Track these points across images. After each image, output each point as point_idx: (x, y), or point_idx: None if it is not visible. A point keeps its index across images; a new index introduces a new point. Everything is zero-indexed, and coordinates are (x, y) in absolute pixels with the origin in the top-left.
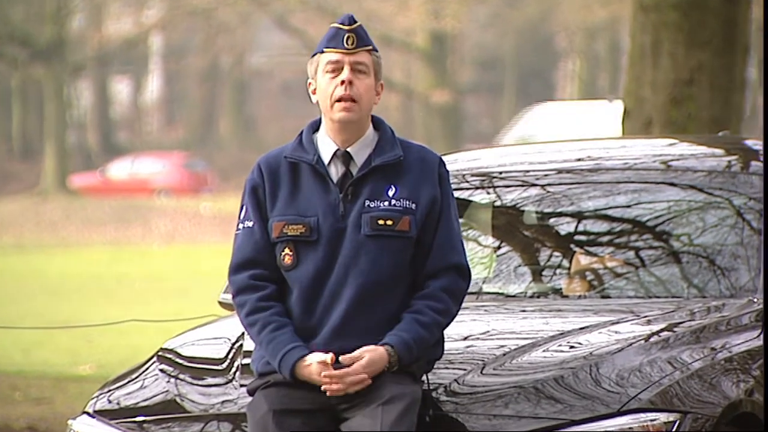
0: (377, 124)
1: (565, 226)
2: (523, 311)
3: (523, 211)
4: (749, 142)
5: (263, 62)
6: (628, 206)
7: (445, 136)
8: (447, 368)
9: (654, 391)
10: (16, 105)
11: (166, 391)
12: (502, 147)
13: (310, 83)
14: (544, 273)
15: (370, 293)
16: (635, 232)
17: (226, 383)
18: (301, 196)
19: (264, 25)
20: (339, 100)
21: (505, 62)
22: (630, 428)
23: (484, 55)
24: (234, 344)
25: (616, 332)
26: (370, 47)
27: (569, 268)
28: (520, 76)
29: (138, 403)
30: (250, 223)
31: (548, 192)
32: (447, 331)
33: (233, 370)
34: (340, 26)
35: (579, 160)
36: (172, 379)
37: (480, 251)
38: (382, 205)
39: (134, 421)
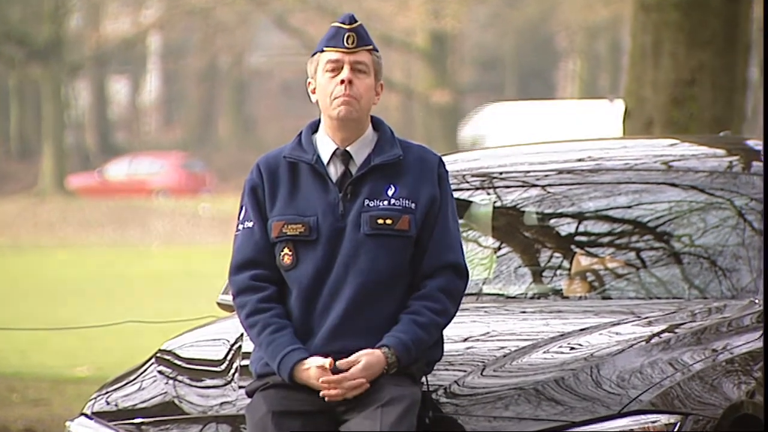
0: (377, 124)
1: (566, 227)
2: (524, 312)
3: (523, 211)
4: (751, 143)
5: (262, 62)
6: (629, 207)
7: (445, 136)
8: (447, 370)
9: (655, 392)
10: (14, 105)
11: (165, 392)
12: (502, 147)
13: (309, 82)
14: (544, 274)
15: (369, 293)
16: (636, 233)
17: (225, 385)
18: (300, 196)
19: (263, 24)
20: (338, 98)
21: (506, 62)
22: (631, 430)
23: (485, 55)
24: (233, 346)
25: (616, 333)
26: (371, 47)
27: (570, 269)
28: (520, 76)
29: (136, 404)
30: (250, 224)
31: (549, 192)
32: (447, 333)
33: (232, 371)
34: (341, 25)
35: (579, 160)
36: (171, 381)
37: (480, 252)
38: (381, 204)
39: (132, 423)
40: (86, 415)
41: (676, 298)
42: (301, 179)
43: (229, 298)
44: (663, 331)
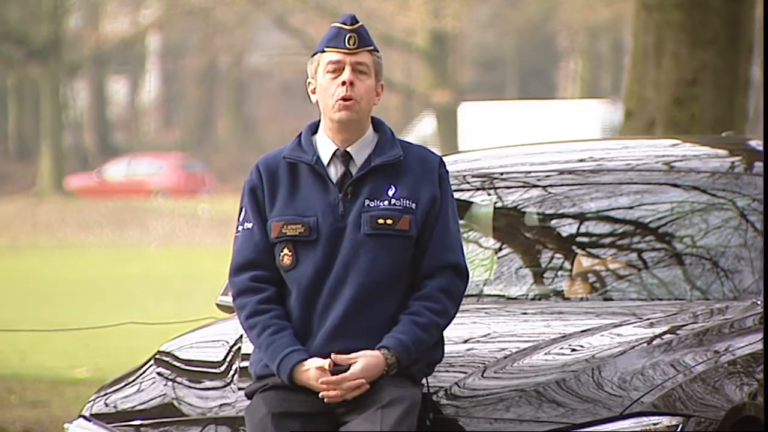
0: (377, 125)
1: (567, 228)
2: (525, 314)
3: (524, 212)
4: (753, 143)
5: (262, 62)
6: (631, 207)
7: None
8: (447, 371)
9: (657, 394)
10: (12, 105)
11: (164, 394)
12: (503, 148)
13: (309, 83)
14: (545, 275)
15: (369, 293)
16: (637, 234)
17: (224, 386)
18: (300, 196)
19: (263, 24)
20: (339, 100)
21: (506, 62)
22: None
23: (485, 55)
24: (232, 347)
25: (618, 335)
26: (372, 47)
27: (571, 270)
28: (521, 76)
29: (135, 406)
30: (250, 225)
31: (550, 193)
32: (447, 334)
33: (231, 373)
34: (342, 26)
35: (581, 161)
36: (170, 383)
37: (481, 253)
38: (382, 204)
39: (131, 425)
40: (85, 417)
41: (678, 300)
42: (300, 180)
43: (228, 300)
44: (665, 333)
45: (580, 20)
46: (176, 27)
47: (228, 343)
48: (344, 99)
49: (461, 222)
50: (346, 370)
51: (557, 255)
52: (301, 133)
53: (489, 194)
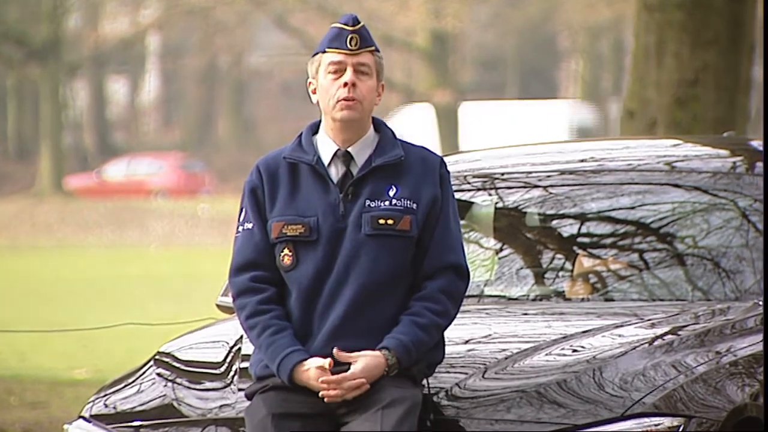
0: (378, 125)
1: (568, 228)
2: (526, 314)
3: (525, 212)
4: (754, 143)
5: (262, 62)
6: (632, 208)
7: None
8: (448, 372)
9: (658, 395)
10: (12, 105)
11: (163, 395)
12: (503, 148)
13: (310, 83)
14: (546, 275)
15: (370, 293)
16: (639, 234)
17: (224, 387)
18: (300, 197)
19: (263, 24)
20: (341, 101)
21: (507, 62)
22: None
23: (486, 55)
24: (232, 348)
25: (619, 336)
26: (373, 48)
27: (572, 271)
28: (522, 76)
29: (135, 407)
30: (250, 225)
31: (551, 193)
32: (448, 335)
33: (231, 374)
34: (344, 27)
35: (582, 161)
36: (170, 384)
37: (482, 253)
38: (383, 204)
39: (131, 426)
40: (84, 418)
41: (680, 300)
42: (301, 180)
43: (228, 300)
44: (666, 334)
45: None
46: (176, 27)
47: (228, 343)
48: (346, 99)
49: (462, 222)
50: (346, 370)
51: (558, 255)
52: (301, 134)
53: (490, 194)
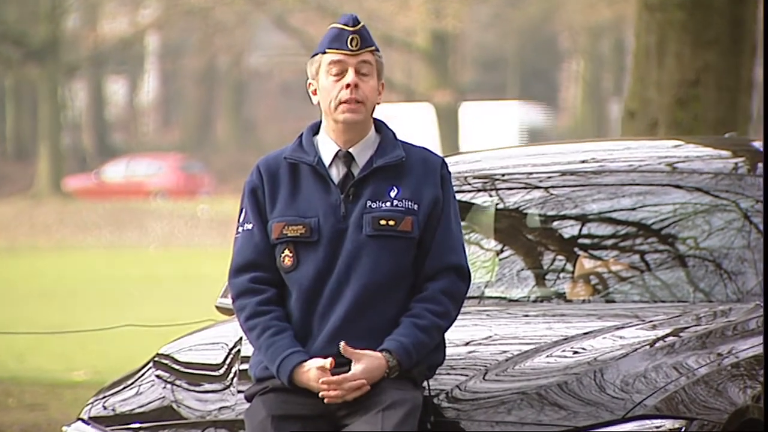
0: (379, 126)
1: (569, 229)
2: (526, 316)
3: (526, 213)
4: (756, 144)
5: (262, 62)
6: (633, 209)
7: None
8: (449, 374)
9: (659, 397)
10: (10, 105)
11: (162, 397)
12: (504, 149)
13: (310, 84)
14: (547, 277)
15: (371, 295)
16: (640, 236)
17: (224, 389)
18: (301, 197)
19: (262, 24)
20: (344, 103)
21: (508, 63)
22: None
23: (486, 56)
24: (231, 350)
25: (620, 337)
26: (373, 47)
27: (573, 272)
28: (522, 76)
29: (133, 409)
30: (250, 226)
31: (551, 194)
32: (449, 337)
33: (230, 375)
34: (344, 27)
35: (583, 162)
36: (169, 385)
37: (482, 255)
38: (384, 205)
39: (130, 428)
40: (83, 420)
41: (681, 302)
42: (302, 180)
43: (227, 302)
44: (667, 335)
45: (582, 20)
46: (175, 27)
47: (227, 345)
48: (349, 101)
49: (462, 223)
50: (346, 372)
51: (559, 257)
52: (302, 134)
53: (490, 195)
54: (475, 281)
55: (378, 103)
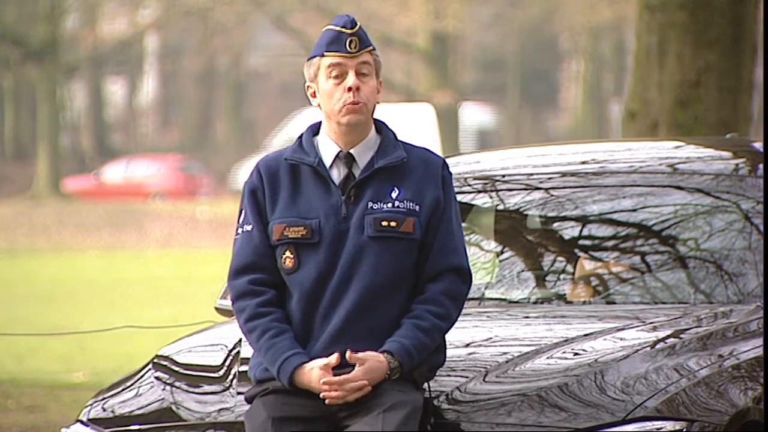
0: (379, 127)
1: (570, 231)
2: (527, 317)
3: (526, 215)
4: (757, 145)
5: (261, 63)
6: (634, 210)
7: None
8: (449, 375)
9: (660, 398)
10: (9, 106)
11: (162, 399)
12: (504, 150)
13: (308, 86)
14: (547, 278)
15: (372, 296)
16: (641, 237)
17: (223, 391)
18: (301, 198)
19: (262, 25)
20: (347, 105)
21: (508, 63)
22: None
23: (487, 56)
24: (231, 351)
25: (621, 339)
26: (371, 47)
27: (573, 274)
28: (523, 77)
29: (133, 411)
30: (249, 227)
31: (552, 196)
32: (449, 338)
33: (230, 377)
34: (343, 30)
35: (583, 163)
36: (168, 387)
37: (482, 256)
38: (385, 206)
39: (129, 430)
40: (82, 422)
41: (682, 303)
42: (302, 182)
43: (227, 303)
44: (668, 337)
45: (583, 21)
46: (174, 27)
47: (227, 347)
48: (353, 104)
49: (462, 225)
50: (348, 372)
51: (559, 258)
52: (302, 135)
53: (491, 196)
54: (476, 282)
55: (378, 102)
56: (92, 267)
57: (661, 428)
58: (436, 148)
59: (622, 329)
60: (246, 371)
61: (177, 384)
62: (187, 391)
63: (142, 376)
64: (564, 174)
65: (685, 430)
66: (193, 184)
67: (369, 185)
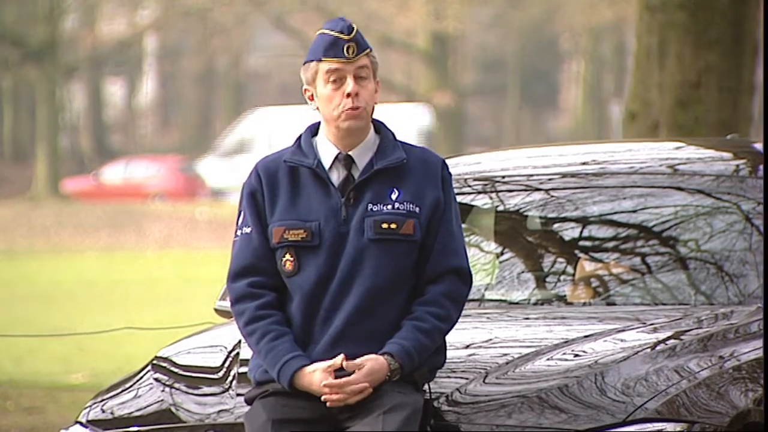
0: (378, 127)
1: (570, 232)
2: (527, 319)
3: (526, 216)
4: (758, 146)
5: (261, 63)
6: (634, 211)
7: (447, 139)
8: (449, 377)
9: (660, 400)
10: (8, 107)
11: (161, 400)
12: (504, 150)
13: (306, 89)
14: (547, 280)
15: (373, 299)
16: (641, 238)
17: (223, 392)
18: (301, 201)
19: (261, 25)
20: (347, 110)
21: (508, 64)
22: None
23: (487, 57)
24: (230, 352)
25: (621, 340)
26: (368, 50)
27: (574, 275)
28: (523, 77)
29: (132, 412)
30: (248, 230)
31: (552, 197)
32: (449, 339)
33: (230, 379)
34: (340, 35)
35: (584, 164)
36: (167, 389)
37: (482, 257)
38: (385, 208)
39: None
40: (81, 424)
41: (682, 304)
42: (301, 184)
43: (226, 305)
44: (669, 338)
45: (583, 22)
46: (174, 28)
47: (226, 348)
48: (352, 109)
49: (462, 226)
50: (349, 375)
51: (560, 259)
52: (300, 136)
53: (491, 197)
54: (476, 284)
55: (376, 103)
56: (91, 268)
57: (662, 430)
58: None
59: (623, 330)
60: (246, 373)
61: (176, 385)
62: (186, 392)
63: (141, 378)
64: (564, 175)
65: (685, 431)
66: (192, 184)
67: (368, 187)
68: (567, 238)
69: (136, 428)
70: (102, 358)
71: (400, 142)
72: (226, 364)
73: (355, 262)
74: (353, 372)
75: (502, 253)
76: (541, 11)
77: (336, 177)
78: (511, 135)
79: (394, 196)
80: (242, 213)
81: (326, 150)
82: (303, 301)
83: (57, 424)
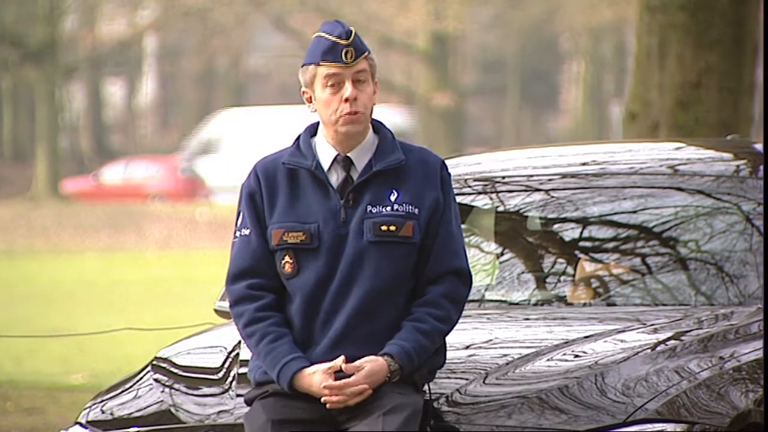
0: (377, 127)
1: (570, 232)
2: (527, 319)
3: (526, 216)
4: (758, 146)
5: (261, 64)
6: (634, 212)
7: (447, 139)
8: (449, 377)
9: (661, 401)
10: (7, 107)
11: (161, 401)
12: (504, 151)
13: (304, 92)
14: (548, 280)
15: (372, 301)
16: (641, 238)
17: (222, 393)
18: (300, 203)
19: (261, 25)
20: (346, 115)
21: (508, 64)
22: None
23: (487, 57)
24: (230, 353)
25: (621, 341)
26: (367, 53)
27: (574, 275)
28: (523, 78)
29: (132, 413)
30: (247, 231)
31: (552, 197)
32: (449, 340)
33: (229, 379)
34: (338, 40)
35: (584, 164)
36: (167, 389)
37: (482, 258)
38: (384, 210)
39: None
40: (81, 424)
41: (683, 305)
42: (300, 185)
43: (226, 305)
44: (669, 339)
45: (583, 22)
46: (173, 28)
47: (226, 349)
48: (350, 114)
49: (462, 226)
50: (349, 376)
51: (560, 260)
52: (299, 137)
53: (491, 198)
54: (476, 284)
55: (375, 104)
56: (91, 268)
57: (662, 430)
58: None
59: (623, 331)
60: (245, 373)
61: (176, 386)
62: (186, 393)
63: (141, 378)
64: (564, 175)
65: None
66: (192, 185)
67: (367, 189)
68: (567, 239)
69: (135, 429)
70: (102, 359)
71: (400, 142)
72: (226, 365)
73: (355, 264)
74: (353, 374)
75: (502, 254)
76: (541, 11)
77: (335, 178)
78: (511, 135)
79: (393, 198)
80: (241, 213)
81: (325, 151)
82: (302, 303)
83: (57, 425)
